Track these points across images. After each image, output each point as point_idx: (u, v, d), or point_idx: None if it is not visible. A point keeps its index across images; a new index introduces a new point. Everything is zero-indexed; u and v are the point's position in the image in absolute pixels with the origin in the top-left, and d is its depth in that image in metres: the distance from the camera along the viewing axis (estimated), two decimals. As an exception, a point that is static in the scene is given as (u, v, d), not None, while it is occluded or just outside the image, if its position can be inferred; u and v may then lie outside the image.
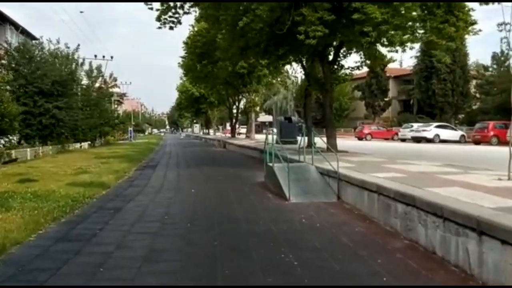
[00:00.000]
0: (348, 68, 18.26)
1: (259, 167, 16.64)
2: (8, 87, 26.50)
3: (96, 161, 19.09)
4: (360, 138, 41.04)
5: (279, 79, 40.38)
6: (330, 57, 16.70)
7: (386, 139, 41.58)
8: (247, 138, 37.82)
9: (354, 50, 17.06)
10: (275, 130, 28.68)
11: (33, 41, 34.51)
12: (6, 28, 34.06)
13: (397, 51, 15.75)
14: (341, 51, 16.87)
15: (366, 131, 42.65)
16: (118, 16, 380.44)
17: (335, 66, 17.32)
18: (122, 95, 68.74)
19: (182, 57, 33.85)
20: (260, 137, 39.18)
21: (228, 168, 16.77)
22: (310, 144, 15.55)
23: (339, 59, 17.25)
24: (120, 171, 14.86)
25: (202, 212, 7.91)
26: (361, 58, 18.71)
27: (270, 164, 11.33)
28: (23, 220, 6.58)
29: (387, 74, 57.43)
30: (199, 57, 29.89)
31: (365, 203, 7.66)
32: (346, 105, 63.04)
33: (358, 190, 8.02)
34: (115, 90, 66.16)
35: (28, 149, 22.33)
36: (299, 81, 71.19)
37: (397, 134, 42.01)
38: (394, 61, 21.32)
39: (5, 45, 26.96)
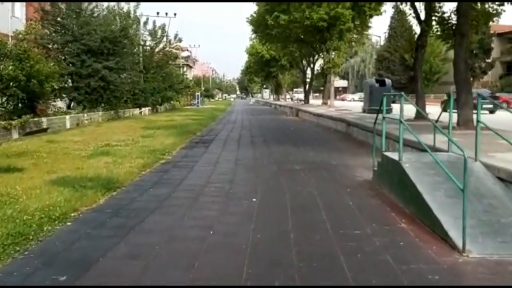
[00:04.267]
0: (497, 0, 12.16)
1: (351, 147, 11.85)
2: (53, 45, 23.36)
3: (140, 133, 15.13)
4: (461, 107, 34.03)
5: (364, 34, 34.04)
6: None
7: (493, 107, 34.23)
8: (324, 105, 32.52)
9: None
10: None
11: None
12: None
13: None
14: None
15: (468, 98, 35.43)
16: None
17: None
18: (188, 58, 65.54)
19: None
20: (340, 104, 33.78)
21: (307, 148, 11.94)
22: (422, 115, 10.32)
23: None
24: (159, 152, 10.57)
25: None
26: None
27: (392, 156, 6.34)
28: None
29: (491, 31, 48.48)
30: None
31: None
32: (437, 67, 55.11)
33: None
34: (184, 54, 63.08)
35: (67, 116, 18.87)
36: (381, 41, 63.90)
37: (507, 101, 34.50)
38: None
39: (50, -4, 23.49)
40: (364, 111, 21.12)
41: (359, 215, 5.35)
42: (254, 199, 6.07)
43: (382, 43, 64.28)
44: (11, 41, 19.98)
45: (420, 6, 13.94)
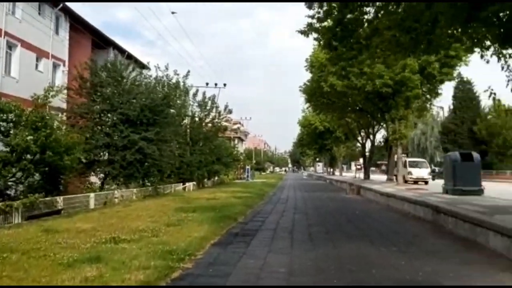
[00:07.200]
0: None
1: (455, 249, 8.01)
2: (91, 114, 21.61)
3: (168, 218, 12.04)
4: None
5: (433, 102, 30.44)
6: None
7: None
8: (389, 182, 28.47)
9: None
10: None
11: (143, 70, 29.92)
12: (109, 52, 30.35)
13: None
14: None
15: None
16: (246, 60, 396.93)
17: None
18: (238, 130, 64.00)
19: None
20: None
21: (391, 249, 8.21)
22: None
23: None
24: (177, 254, 7.27)
25: None
26: None
27: None
28: None
29: None
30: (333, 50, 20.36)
31: None
32: (512, 140, 49.89)
33: None
34: (234, 126, 61.69)
35: (92, 195, 16.22)
36: (444, 112, 59.65)
37: None
38: None
39: (89, 63, 22.16)
40: (445, 191, 17.10)
41: None
42: None
43: (445, 114, 59.90)
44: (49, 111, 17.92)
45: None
